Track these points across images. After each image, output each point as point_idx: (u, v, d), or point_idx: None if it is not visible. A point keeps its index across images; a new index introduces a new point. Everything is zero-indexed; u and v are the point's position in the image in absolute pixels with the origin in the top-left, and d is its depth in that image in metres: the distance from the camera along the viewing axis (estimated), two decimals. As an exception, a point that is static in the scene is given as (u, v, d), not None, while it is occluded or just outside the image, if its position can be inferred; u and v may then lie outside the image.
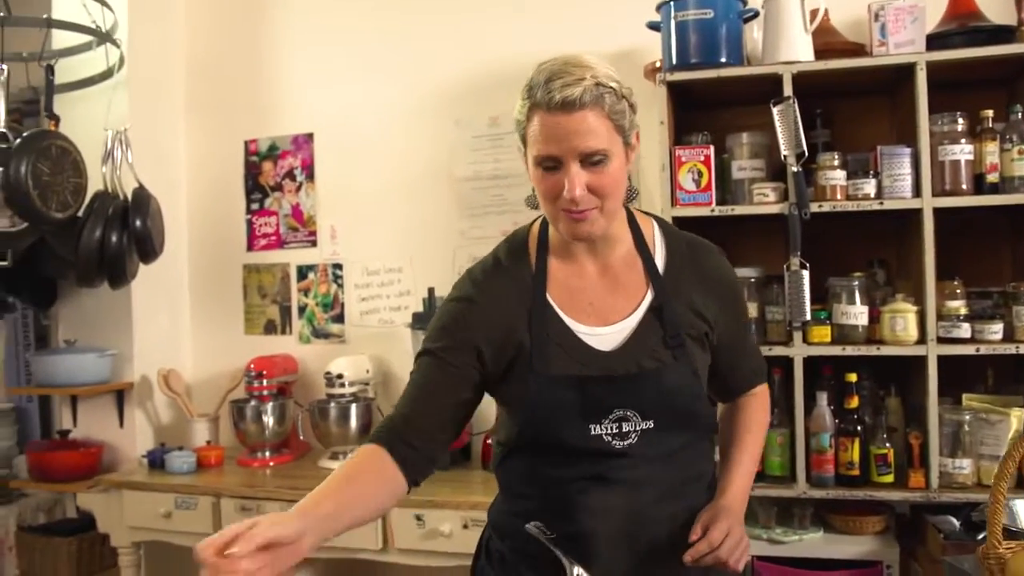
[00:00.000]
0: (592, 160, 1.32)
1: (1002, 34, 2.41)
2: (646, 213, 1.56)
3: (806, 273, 2.39)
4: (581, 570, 1.34)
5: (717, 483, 1.54)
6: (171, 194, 3.37)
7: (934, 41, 2.44)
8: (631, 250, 1.49)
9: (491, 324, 1.43)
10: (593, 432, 1.40)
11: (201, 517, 2.77)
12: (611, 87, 1.32)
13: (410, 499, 2.53)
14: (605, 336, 1.43)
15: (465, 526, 2.51)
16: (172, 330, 3.43)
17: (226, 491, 2.77)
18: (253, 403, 3.07)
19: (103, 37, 3.04)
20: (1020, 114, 2.35)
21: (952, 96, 2.43)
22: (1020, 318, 2.30)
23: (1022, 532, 1.72)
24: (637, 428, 1.40)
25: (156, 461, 2.99)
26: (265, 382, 3.10)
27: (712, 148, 2.52)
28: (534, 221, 1.53)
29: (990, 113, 2.37)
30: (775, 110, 2.43)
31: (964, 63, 2.36)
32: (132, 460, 3.17)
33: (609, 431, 1.40)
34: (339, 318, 3.36)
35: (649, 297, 1.46)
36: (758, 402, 1.65)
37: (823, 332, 2.41)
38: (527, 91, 1.34)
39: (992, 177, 2.34)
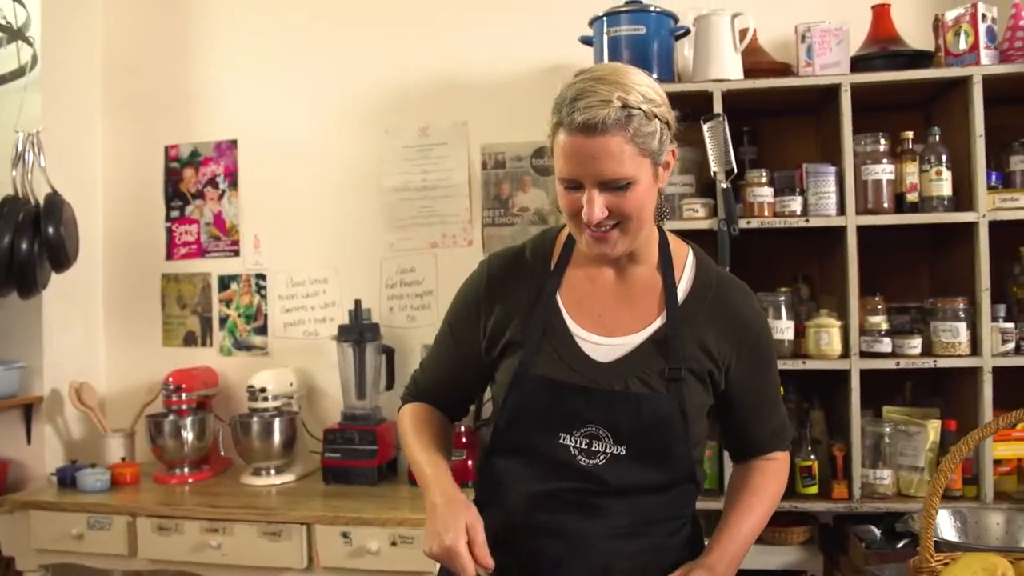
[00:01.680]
0: (613, 186, 1.30)
1: (921, 59, 2.50)
2: (687, 241, 1.53)
3: (735, 288, 2.42)
4: None
5: (705, 541, 1.49)
6: (86, 200, 3.22)
7: (857, 63, 2.51)
8: (654, 272, 1.46)
9: (494, 306, 1.47)
10: (561, 441, 1.38)
11: (116, 538, 2.65)
12: (641, 110, 1.28)
13: (337, 515, 2.52)
14: (603, 347, 1.41)
15: (394, 543, 2.46)
16: (85, 342, 3.28)
17: (142, 510, 2.66)
18: (171, 417, 2.96)
19: (14, 34, 2.91)
20: (938, 136, 2.43)
21: (871, 117, 2.50)
22: (937, 333, 2.38)
23: (944, 542, 1.76)
24: (607, 450, 1.37)
25: (67, 479, 2.85)
26: (184, 396, 2.99)
27: (643, 163, 2.54)
28: (565, 224, 1.51)
29: (911, 134, 2.45)
30: (705, 127, 2.46)
31: (886, 86, 2.44)
32: (40, 478, 3.01)
33: (578, 445, 1.38)
34: (262, 330, 3.26)
35: (658, 323, 1.42)
36: (774, 468, 1.55)
37: (751, 346, 2.45)
38: (555, 106, 1.32)
39: (912, 196, 2.42)
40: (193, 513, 2.62)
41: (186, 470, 2.98)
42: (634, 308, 1.44)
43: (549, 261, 1.48)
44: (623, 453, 1.37)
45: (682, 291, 1.45)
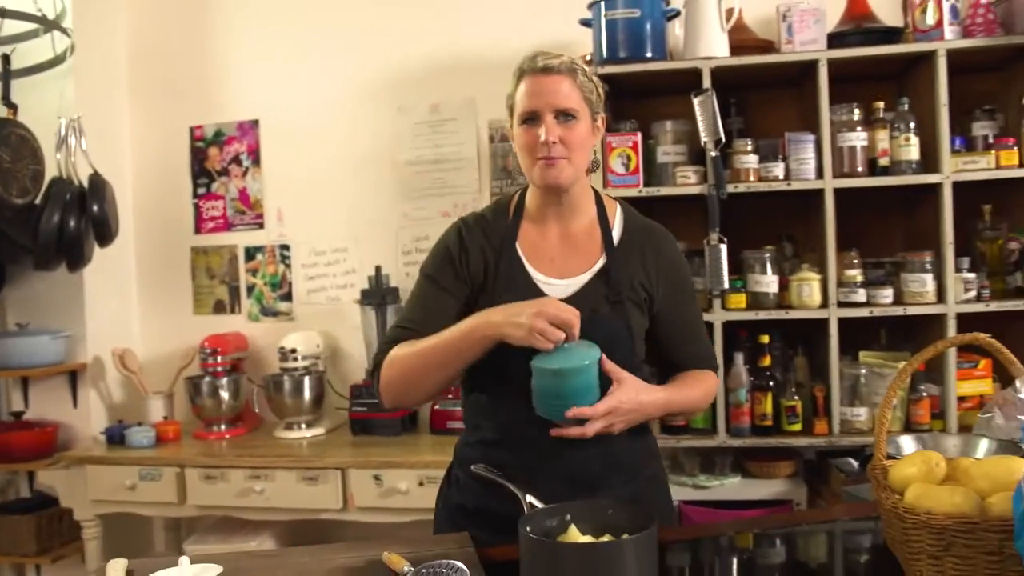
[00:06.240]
0: (564, 116, 1.61)
1: (892, 35, 2.74)
2: (615, 198, 1.80)
3: (724, 247, 2.68)
4: (533, 499, 1.46)
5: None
6: (117, 179, 3.40)
7: (834, 40, 2.75)
8: (593, 222, 1.74)
9: (469, 259, 1.70)
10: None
11: (166, 487, 2.91)
12: (584, 68, 1.65)
13: (368, 460, 2.78)
14: (558, 286, 1.67)
15: (421, 483, 2.73)
16: (121, 312, 3.53)
17: (189, 462, 2.92)
18: (208, 379, 3.22)
19: (50, 24, 3.11)
20: (907, 105, 2.67)
21: (848, 88, 2.74)
22: (907, 284, 2.64)
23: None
24: None
25: (115, 437, 3.11)
26: (220, 359, 3.24)
27: (640, 135, 2.78)
28: (516, 191, 1.80)
29: (881, 104, 2.70)
30: (696, 101, 2.70)
31: (860, 60, 2.68)
32: (87, 439, 3.27)
33: None
34: (287, 296, 3.51)
35: (601, 262, 1.69)
36: (705, 376, 1.78)
37: (739, 299, 2.71)
38: (517, 68, 1.65)
39: (884, 161, 2.67)
40: (235, 463, 2.88)
41: (223, 427, 3.23)
42: (580, 253, 1.71)
43: (506, 219, 1.75)
44: None
45: (616, 236, 1.73)
